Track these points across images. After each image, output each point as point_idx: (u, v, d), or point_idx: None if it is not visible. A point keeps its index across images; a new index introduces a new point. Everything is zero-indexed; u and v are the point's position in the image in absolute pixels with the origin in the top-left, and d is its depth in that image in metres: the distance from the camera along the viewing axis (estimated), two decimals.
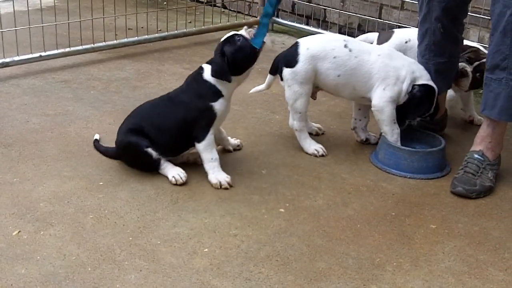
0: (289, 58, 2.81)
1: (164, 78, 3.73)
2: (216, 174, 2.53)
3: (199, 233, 2.22)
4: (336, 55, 2.77)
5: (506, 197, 2.59)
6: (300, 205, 2.45)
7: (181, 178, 2.52)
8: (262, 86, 3.01)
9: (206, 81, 2.54)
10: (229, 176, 2.54)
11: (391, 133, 2.80)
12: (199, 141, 2.53)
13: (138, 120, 2.60)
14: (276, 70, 2.88)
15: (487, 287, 2.03)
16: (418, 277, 2.06)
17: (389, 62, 2.77)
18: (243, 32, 2.54)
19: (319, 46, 2.79)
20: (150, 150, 2.53)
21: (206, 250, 2.13)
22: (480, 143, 2.69)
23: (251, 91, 3.06)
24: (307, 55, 2.77)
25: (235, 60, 2.50)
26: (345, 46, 2.78)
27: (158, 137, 2.55)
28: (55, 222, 2.24)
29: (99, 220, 2.27)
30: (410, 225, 2.35)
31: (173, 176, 2.53)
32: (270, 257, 2.11)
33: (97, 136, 2.82)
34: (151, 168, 2.57)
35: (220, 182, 2.51)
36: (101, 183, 2.51)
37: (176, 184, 2.51)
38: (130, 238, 2.17)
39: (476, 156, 2.66)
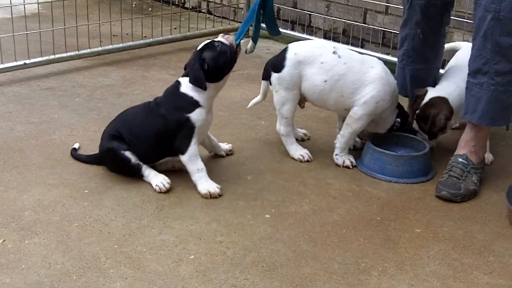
0: (277, 63, 2.82)
1: (149, 85, 3.72)
2: (205, 185, 2.52)
3: (185, 240, 2.22)
4: (323, 60, 2.76)
5: (491, 200, 2.61)
6: (285, 211, 2.45)
7: (164, 186, 2.52)
8: (258, 98, 2.99)
9: (183, 93, 2.53)
10: (219, 186, 2.53)
11: (346, 141, 2.82)
12: (183, 152, 2.52)
13: (118, 127, 2.61)
14: (267, 75, 2.88)
15: None
16: (404, 281, 2.07)
17: (387, 77, 2.77)
18: (220, 38, 2.56)
19: (307, 51, 2.80)
20: (128, 154, 2.54)
21: (192, 257, 2.13)
22: (464, 147, 2.70)
23: (249, 105, 3.05)
24: (294, 60, 2.78)
25: (216, 65, 2.51)
26: (334, 52, 2.78)
27: (136, 145, 2.56)
28: (40, 231, 2.23)
29: (84, 228, 2.26)
30: (395, 230, 2.36)
31: (156, 185, 2.52)
32: (255, 263, 2.12)
33: (76, 145, 2.80)
34: (131, 173, 2.57)
35: (209, 192, 2.50)
36: (86, 191, 2.50)
37: (160, 192, 2.51)
38: (116, 246, 2.16)
39: (460, 160, 2.68)
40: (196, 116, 2.50)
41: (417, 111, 2.88)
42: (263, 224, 2.35)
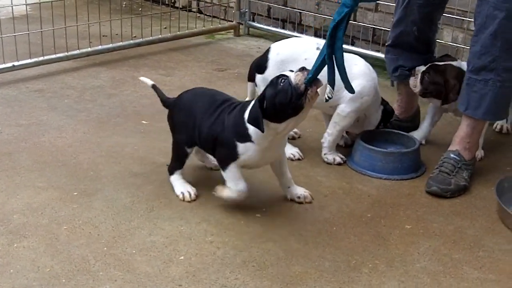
0: (260, 64, 2.81)
1: (139, 85, 3.70)
2: (231, 192, 2.36)
3: (175, 241, 2.21)
4: (307, 56, 2.73)
5: (481, 195, 2.62)
6: (276, 210, 2.45)
7: (190, 195, 2.45)
8: (247, 100, 2.98)
9: (243, 120, 2.27)
10: (247, 185, 2.36)
11: (333, 140, 2.82)
12: (222, 170, 2.35)
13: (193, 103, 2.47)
14: (252, 76, 2.87)
15: (462, 285, 2.05)
16: (394, 278, 2.07)
17: (370, 73, 2.77)
18: (291, 73, 2.23)
19: (289, 49, 2.79)
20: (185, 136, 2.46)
21: (182, 258, 2.12)
22: (459, 143, 2.71)
23: None
24: (277, 60, 2.77)
25: (274, 106, 2.18)
26: (317, 48, 2.76)
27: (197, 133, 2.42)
28: (28, 234, 2.22)
29: (73, 231, 2.25)
30: (385, 226, 2.36)
31: (181, 192, 2.47)
32: (246, 263, 2.11)
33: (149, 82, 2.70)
34: (178, 147, 2.50)
35: (230, 197, 2.36)
36: (75, 193, 2.49)
37: (183, 200, 2.46)
38: (105, 248, 2.15)
39: (452, 155, 2.68)
40: (242, 149, 2.28)
41: (437, 63, 2.85)
42: (254, 224, 2.34)
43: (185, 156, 2.50)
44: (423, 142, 3.00)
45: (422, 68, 2.88)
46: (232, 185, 2.35)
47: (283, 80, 2.20)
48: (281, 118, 2.21)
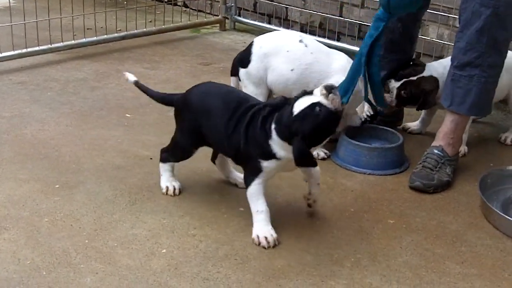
0: (243, 58, 2.81)
1: (123, 78, 3.65)
2: (259, 229, 2.19)
3: (157, 234, 2.20)
4: (289, 49, 2.75)
5: (463, 191, 2.63)
6: None
7: (174, 190, 2.43)
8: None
9: (267, 138, 2.13)
10: (274, 234, 2.19)
11: None
12: (246, 186, 2.23)
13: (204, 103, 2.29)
14: (236, 71, 2.87)
15: (444, 280, 2.05)
16: (376, 272, 2.07)
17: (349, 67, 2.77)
18: (322, 98, 2.05)
19: (272, 42, 2.79)
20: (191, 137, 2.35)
21: (164, 251, 2.11)
22: (442, 139, 2.72)
23: None
24: (260, 53, 2.76)
25: (319, 136, 2.10)
26: (300, 41, 2.77)
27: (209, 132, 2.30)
28: (9, 226, 2.19)
29: (54, 223, 2.22)
30: (368, 221, 2.37)
31: (166, 186, 2.44)
32: (228, 256, 2.10)
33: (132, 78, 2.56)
34: (181, 147, 2.40)
35: (261, 237, 2.17)
36: (57, 186, 2.47)
37: (166, 194, 2.44)
38: (86, 241, 2.13)
39: (435, 151, 2.69)
40: (266, 165, 2.17)
41: (411, 79, 2.88)
42: (237, 217, 2.33)
43: (187, 157, 2.43)
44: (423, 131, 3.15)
45: (395, 84, 2.90)
46: (252, 205, 2.22)
47: (319, 110, 2.04)
48: (321, 142, 2.16)
